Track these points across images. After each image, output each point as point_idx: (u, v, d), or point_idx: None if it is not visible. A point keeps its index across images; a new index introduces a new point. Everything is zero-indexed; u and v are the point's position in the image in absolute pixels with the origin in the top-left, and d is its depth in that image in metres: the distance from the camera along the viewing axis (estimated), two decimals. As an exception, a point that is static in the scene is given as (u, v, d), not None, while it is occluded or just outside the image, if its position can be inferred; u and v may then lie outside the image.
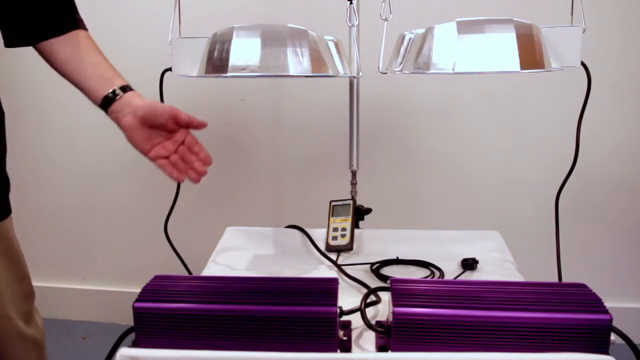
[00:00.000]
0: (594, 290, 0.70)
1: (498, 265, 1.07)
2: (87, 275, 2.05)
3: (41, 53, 0.92)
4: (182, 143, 0.91)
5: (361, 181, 1.32)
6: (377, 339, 0.74)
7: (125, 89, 0.90)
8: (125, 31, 1.83)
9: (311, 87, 1.78)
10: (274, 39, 1.03)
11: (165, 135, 0.90)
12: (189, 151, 0.91)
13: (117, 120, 0.89)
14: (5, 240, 0.90)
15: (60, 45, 0.90)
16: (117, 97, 0.88)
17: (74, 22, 0.93)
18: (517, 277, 1.01)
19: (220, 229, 1.24)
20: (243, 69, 0.95)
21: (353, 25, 1.15)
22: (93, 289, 2.05)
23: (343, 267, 1.04)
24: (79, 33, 0.93)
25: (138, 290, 0.72)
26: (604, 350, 0.66)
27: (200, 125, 0.90)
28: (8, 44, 0.91)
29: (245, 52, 1.01)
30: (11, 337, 0.90)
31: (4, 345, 0.89)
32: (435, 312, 0.67)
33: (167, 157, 0.90)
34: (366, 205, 1.26)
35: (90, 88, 0.90)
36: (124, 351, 0.69)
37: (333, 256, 1.10)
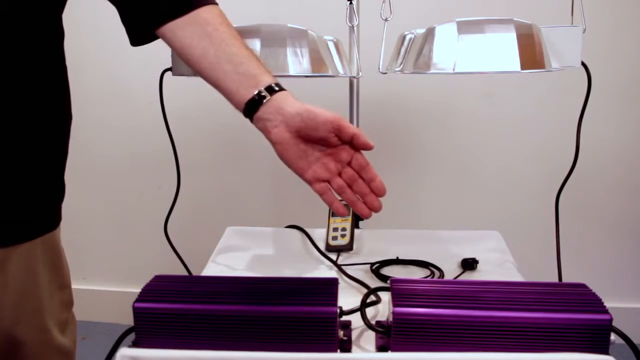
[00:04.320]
0: (594, 290, 0.70)
1: (498, 265, 1.07)
2: (87, 275, 2.05)
3: (172, 47, 0.78)
4: (349, 163, 0.70)
5: (361, 181, 1.32)
6: (377, 339, 0.74)
7: (273, 89, 0.71)
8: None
9: (311, 87, 1.77)
10: (274, 39, 1.03)
11: (325, 150, 0.70)
12: (358, 176, 0.70)
13: (265, 131, 0.71)
14: (54, 250, 0.86)
15: (184, 30, 0.74)
16: (265, 101, 0.70)
17: None
18: (517, 277, 1.01)
19: (220, 229, 1.24)
20: (243, 69, 0.95)
21: (353, 25, 1.15)
22: (93, 289, 2.05)
23: (343, 267, 1.04)
24: (206, 12, 0.75)
25: (138, 290, 0.72)
26: (604, 350, 0.66)
27: (366, 146, 0.69)
28: (132, 42, 0.82)
29: (245, 52, 1.01)
30: (46, 349, 0.86)
31: (39, 358, 0.85)
32: (435, 312, 0.67)
33: (328, 181, 0.71)
34: (366, 205, 1.26)
35: (230, 89, 0.72)
36: (124, 351, 0.69)
37: (333, 256, 1.10)
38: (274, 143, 0.71)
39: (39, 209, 0.82)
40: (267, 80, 0.71)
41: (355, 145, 0.69)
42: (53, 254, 0.86)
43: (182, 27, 0.75)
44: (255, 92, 0.70)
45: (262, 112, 0.70)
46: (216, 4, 0.78)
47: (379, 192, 0.69)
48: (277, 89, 0.71)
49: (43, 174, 0.81)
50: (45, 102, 0.79)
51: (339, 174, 0.70)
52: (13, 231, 0.78)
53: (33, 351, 0.84)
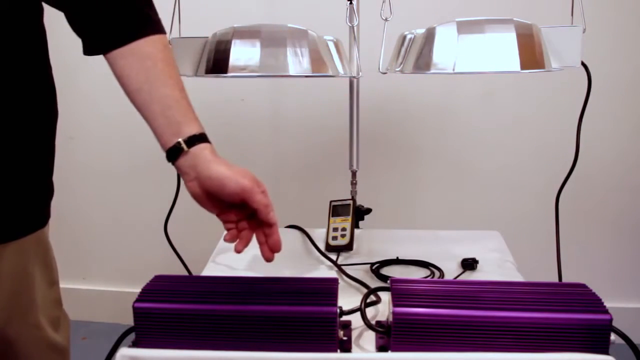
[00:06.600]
0: (594, 290, 0.70)
1: (498, 265, 1.07)
2: (87, 275, 2.05)
3: (112, 71, 0.77)
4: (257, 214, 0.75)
5: (361, 181, 1.32)
6: (377, 339, 0.74)
7: (194, 140, 0.73)
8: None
9: (311, 87, 1.78)
10: (274, 39, 1.03)
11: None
12: (259, 228, 0.76)
13: (183, 180, 0.75)
14: (43, 247, 0.87)
15: (124, 60, 0.74)
16: (182, 153, 0.72)
17: (138, 26, 0.74)
18: (517, 277, 1.01)
19: (220, 229, 1.24)
20: (243, 69, 0.96)
21: (353, 25, 1.15)
22: (93, 289, 2.05)
23: (343, 267, 1.04)
24: (149, 45, 0.74)
25: (138, 290, 0.72)
26: (604, 350, 0.66)
27: (267, 222, 0.74)
28: (85, 51, 0.80)
29: (245, 52, 1.01)
30: (39, 346, 0.86)
31: (32, 356, 0.86)
32: (435, 312, 0.67)
33: (235, 222, 0.77)
34: (366, 205, 1.26)
35: (156, 131, 0.74)
36: (124, 351, 0.69)
37: (333, 256, 1.10)
38: (190, 193, 0.75)
39: (28, 205, 0.82)
40: (189, 131, 0.73)
41: (258, 217, 0.74)
42: (43, 251, 0.86)
43: (124, 56, 0.74)
44: (176, 142, 0.72)
45: (180, 163, 0.73)
46: (164, 33, 0.77)
47: (273, 247, 0.75)
48: (198, 141, 0.73)
49: (32, 171, 0.81)
50: (31, 100, 0.79)
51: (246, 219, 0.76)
52: (3, 229, 0.78)
53: (27, 349, 0.85)
